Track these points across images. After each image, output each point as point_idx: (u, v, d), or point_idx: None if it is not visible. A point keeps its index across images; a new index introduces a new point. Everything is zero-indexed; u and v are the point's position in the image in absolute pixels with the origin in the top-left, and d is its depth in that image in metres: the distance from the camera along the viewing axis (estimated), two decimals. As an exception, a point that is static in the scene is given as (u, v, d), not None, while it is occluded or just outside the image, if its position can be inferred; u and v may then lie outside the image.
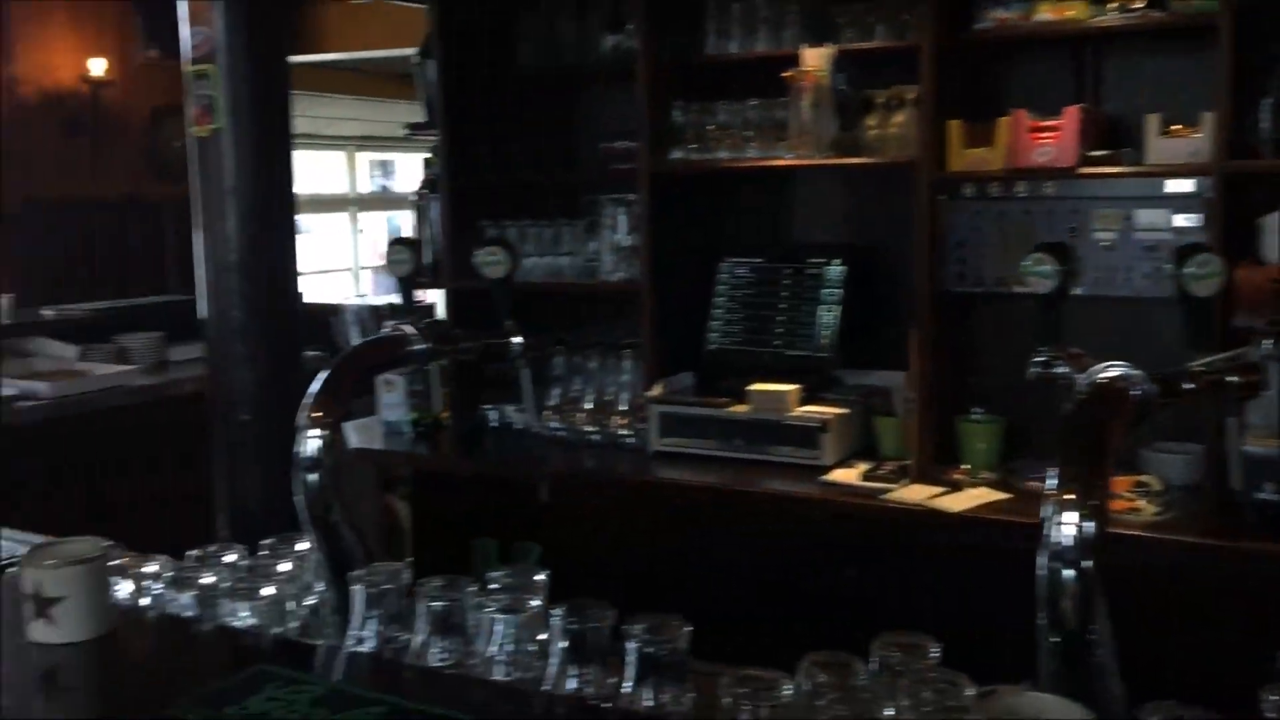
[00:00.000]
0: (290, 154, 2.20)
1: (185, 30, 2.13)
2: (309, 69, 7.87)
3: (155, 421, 4.13)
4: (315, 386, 1.44)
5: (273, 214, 2.16)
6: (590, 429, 3.15)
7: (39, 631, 1.28)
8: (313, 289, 9.75)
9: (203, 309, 2.12)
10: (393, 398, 3.37)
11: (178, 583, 1.43)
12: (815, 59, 2.87)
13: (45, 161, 6.50)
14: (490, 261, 2.55)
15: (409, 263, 2.10)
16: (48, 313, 4.57)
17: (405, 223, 11.97)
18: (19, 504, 3.46)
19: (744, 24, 3.07)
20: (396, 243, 2.26)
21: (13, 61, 6.35)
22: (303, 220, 9.89)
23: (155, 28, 6.92)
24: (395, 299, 2.67)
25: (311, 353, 2.50)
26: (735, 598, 2.76)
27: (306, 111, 9.56)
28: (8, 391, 3.75)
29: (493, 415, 3.36)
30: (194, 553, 1.50)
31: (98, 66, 6.67)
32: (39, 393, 3.77)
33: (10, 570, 1.41)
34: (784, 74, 2.89)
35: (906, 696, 1.08)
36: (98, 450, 3.95)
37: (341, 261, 10.67)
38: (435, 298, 4.04)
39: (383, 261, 2.67)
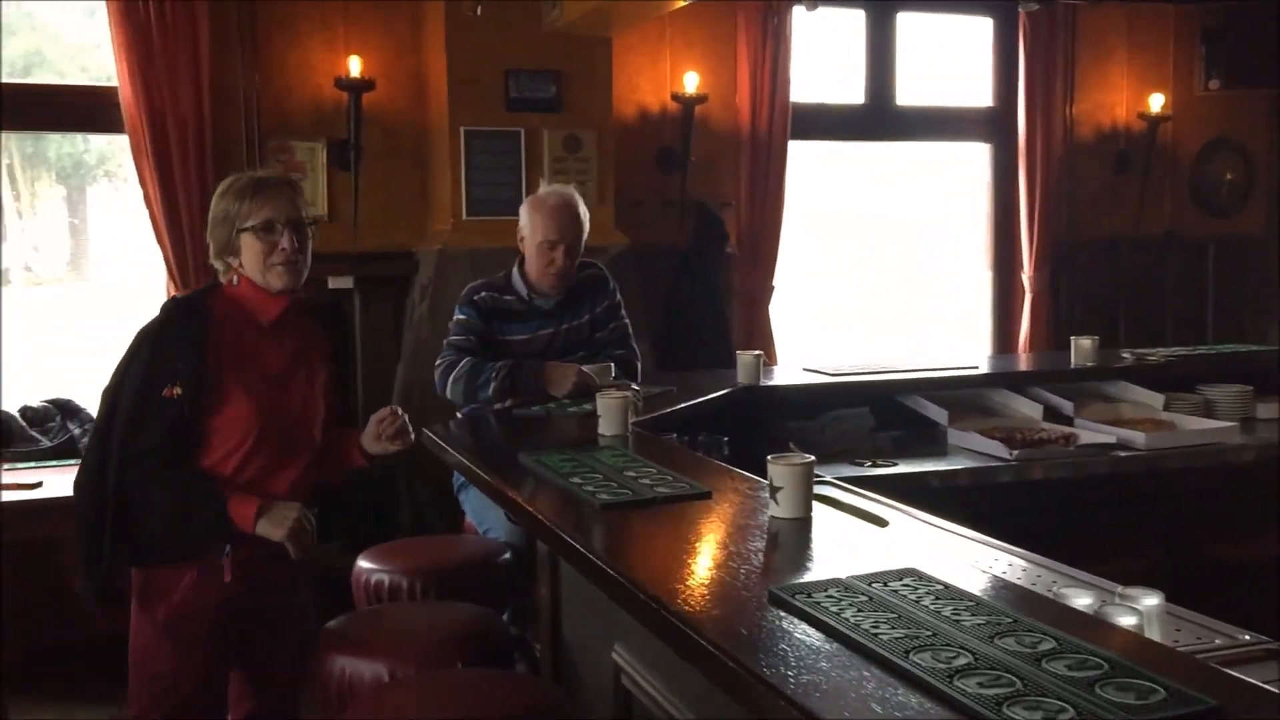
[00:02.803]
0: None
1: None
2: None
3: (1241, 485, 3.73)
4: None
5: None
6: None
7: None
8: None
9: None
10: None
11: None
12: None
13: (1092, 200, 6.53)
14: None
15: None
16: (1126, 356, 4.42)
17: None
18: (1104, 556, 3.30)
19: None
20: None
21: (1073, 102, 6.45)
22: None
23: (1219, 59, 6.53)
24: None
25: None
26: None
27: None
28: (1105, 438, 3.64)
29: None
30: None
31: (1156, 102, 6.48)
32: (1135, 443, 3.60)
33: None
34: None
35: None
36: (1179, 509, 3.66)
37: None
38: None
39: None
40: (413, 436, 2.64)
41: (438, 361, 3.51)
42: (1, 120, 4.66)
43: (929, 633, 1.45)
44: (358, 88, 4.79)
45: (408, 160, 5.05)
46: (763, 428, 3.67)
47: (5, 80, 4.66)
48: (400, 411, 2.61)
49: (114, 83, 4.53)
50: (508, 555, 3.21)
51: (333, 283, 4.92)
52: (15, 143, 7.55)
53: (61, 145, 7.90)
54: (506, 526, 3.29)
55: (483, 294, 3.60)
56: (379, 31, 4.95)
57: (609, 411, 2.87)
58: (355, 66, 4.79)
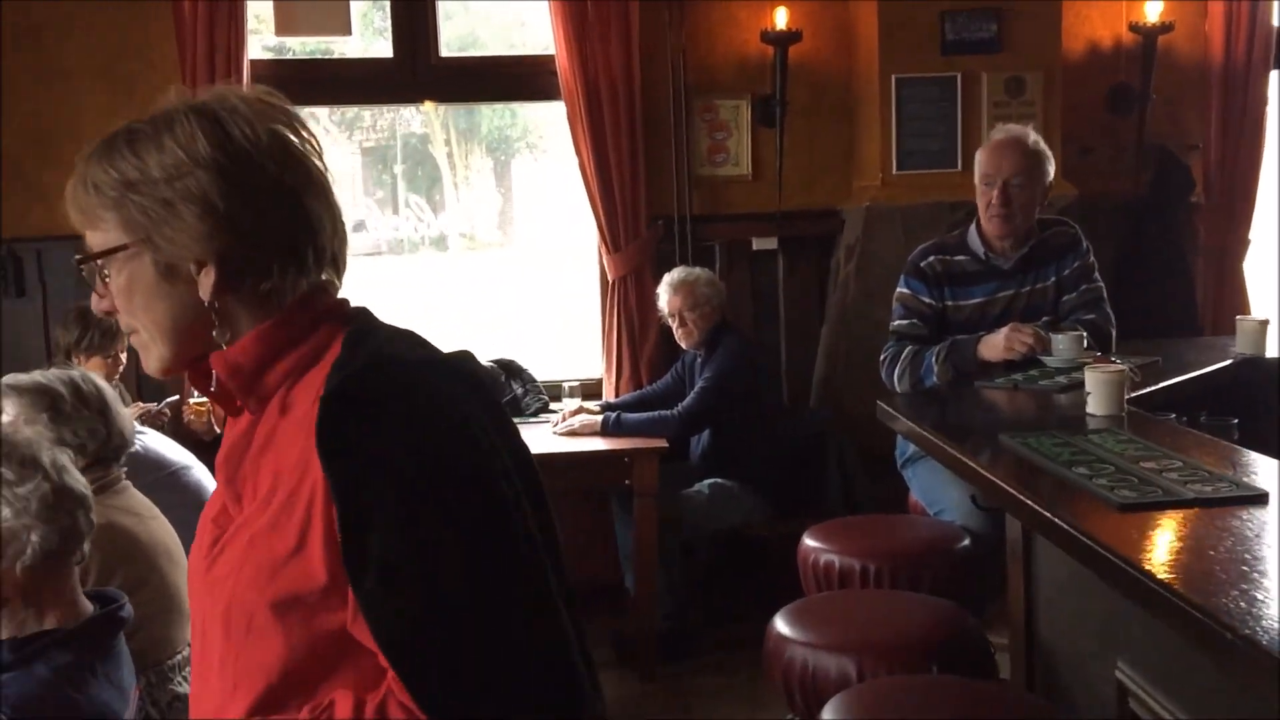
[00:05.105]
0: None
1: None
2: None
3: None
4: None
5: None
6: None
7: None
8: None
9: None
10: None
11: None
12: None
13: None
14: None
15: None
16: None
17: None
18: None
19: None
20: None
21: None
22: None
23: None
24: None
25: None
26: None
27: None
28: None
29: None
30: None
31: None
32: None
33: None
34: None
35: None
36: None
37: None
38: None
39: None
40: None
41: (882, 356, 3.32)
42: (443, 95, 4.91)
43: None
44: (784, 40, 4.60)
45: (833, 114, 4.81)
46: (1269, 408, 3.12)
47: (446, 56, 4.87)
48: None
49: (540, 53, 4.64)
50: (966, 542, 2.92)
51: (756, 244, 4.79)
52: (451, 119, 8.09)
53: (491, 119, 8.40)
54: (964, 509, 3.00)
55: (930, 258, 3.33)
56: (805, -20, 4.73)
57: (1101, 388, 2.49)
58: (781, 18, 4.59)
